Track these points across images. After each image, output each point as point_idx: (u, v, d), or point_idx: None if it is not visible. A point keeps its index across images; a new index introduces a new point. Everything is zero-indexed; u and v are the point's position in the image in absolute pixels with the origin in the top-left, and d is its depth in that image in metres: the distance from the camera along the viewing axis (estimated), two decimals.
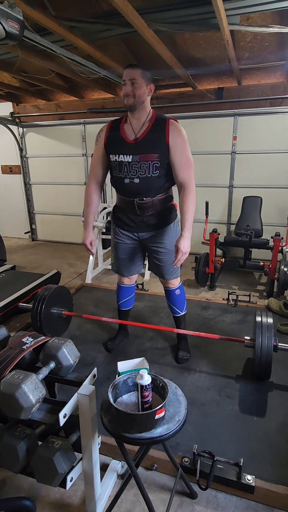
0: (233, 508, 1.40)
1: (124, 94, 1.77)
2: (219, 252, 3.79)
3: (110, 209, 3.58)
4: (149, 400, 1.12)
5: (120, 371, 1.27)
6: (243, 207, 3.88)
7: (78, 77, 3.54)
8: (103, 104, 4.59)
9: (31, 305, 2.36)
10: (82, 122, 4.81)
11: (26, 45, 2.73)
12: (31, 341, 1.37)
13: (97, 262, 4.05)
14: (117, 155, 1.87)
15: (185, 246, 1.80)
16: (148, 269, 2.28)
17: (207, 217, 3.83)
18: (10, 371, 1.20)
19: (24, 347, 1.33)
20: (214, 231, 3.50)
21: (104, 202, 4.17)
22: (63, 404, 1.20)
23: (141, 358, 1.32)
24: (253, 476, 1.42)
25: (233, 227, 4.21)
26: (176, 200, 2.13)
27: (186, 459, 1.51)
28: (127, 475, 1.33)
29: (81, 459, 1.29)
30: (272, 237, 3.33)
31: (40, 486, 1.48)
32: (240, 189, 4.24)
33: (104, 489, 1.43)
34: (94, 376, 1.36)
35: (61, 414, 1.16)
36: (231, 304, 3.06)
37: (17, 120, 5.12)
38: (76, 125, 4.87)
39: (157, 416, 1.06)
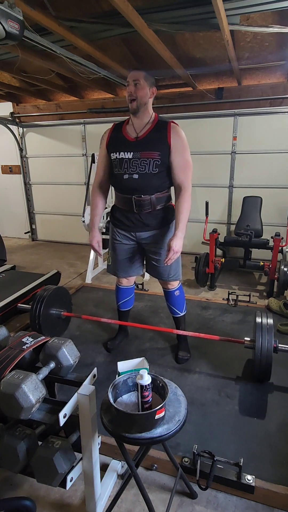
0: (233, 508, 1.40)
1: (128, 94, 1.84)
2: (219, 252, 3.79)
3: (109, 209, 3.57)
4: (149, 400, 1.12)
5: (120, 371, 1.27)
6: (243, 207, 3.88)
7: (78, 77, 3.54)
8: (103, 104, 4.59)
9: (30, 306, 2.35)
10: (82, 122, 4.81)
11: (26, 45, 2.74)
12: (31, 341, 1.37)
13: (97, 262, 4.05)
14: (117, 153, 1.90)
15: (177, 245, 1.82)
16: (146, 271, 2.28)
17: (207, 217, 3.83)
18: (10, 371, 1.20)
19: (24, 347, 1.33)
20: (214, 231, 3.50)
21: None
22: (63, 404, 1.20)
23: (141, 358, 1.32)
24: (253, 476, 1.42)
25: (233, 227, 4.21)
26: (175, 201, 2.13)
27: (186, 459, 1.51)
28: (127, 475, 1.33)
29: (81, 459, 1.30)
30: (272, 237, 3.33)
31: (40, 486, 1.48)
32: (240, 189, 4.24)
33: (104, 489, 1.43)
34: (94, 376, 1.36)
35: (61, 414, 1.16)
36: (231, 304, 3.06)
37: (17, 120, 5.12)
38: (76, 125, 4.87)
39: (157, 416, 1.06)
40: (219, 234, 3.54)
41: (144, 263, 2.27)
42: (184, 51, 3.35)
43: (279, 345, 1.96)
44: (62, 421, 1.17)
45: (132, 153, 1.86)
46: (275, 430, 1.72)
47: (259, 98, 3.87)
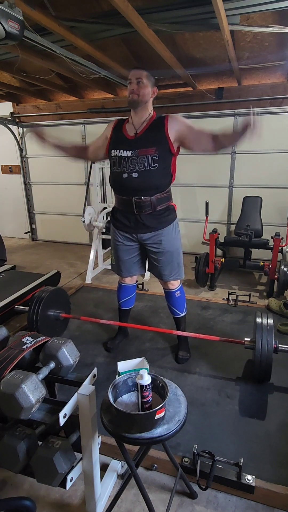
0: (233, 508, 1.40)
1: (130, 91, 1.85)
2: (219, 252, 3.79)
3: (110, 209, 3.58)
4: (149, 400, 1.11)
5: (120, 371, 1.27)
6: (243, 207, 3.88)
7: (78, 77, 3.54)
8: (103, 104, 4.59)
9: (28, 308, 2.33)
10: (82, 122, 4.81)
11: (26, 45, 2.74)
12: (31, 341, 1.37)
13: (97, 262, 4.05)
14: (117, 150, 1.93)
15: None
16: (148, 270, 2.29)
17: (207, 217, 3.83)
18: (10, 371, 1.19)
19: (24, 347, 1.33)
20: (214, 231, 3.50)
21: (104, 202, 4.17)
22: (63, 404, 1.20)
23: (141, 358, 1.32)
24: (253, 476, 1.42)
25: (233, 227, 4.21)
26: (175, 201, 2.13)
27: (186, 459, 1.51)
28: (127, 475, 1.33)
29: (81, 459, 1.29)
30: (272, 237, 3.33)
31: (40, 486, 1.48)
32: (240, 189, 4.24)
33: (104, 489, 1.43)
34: (94, 376, 1.36)
35: (61, 414, 1.16)
36: (231, 304, 3.06)
37: (17, 120, 5.12)
38: (76, 125, 4.87)
39: (157, 416, 1.06)
40: (219, 234, 3.53)
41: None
42: (184, 51, 3.35)
43: (279, 345, 1.96)
44: (62, 421, 1.16)
45: (130, 151, 1.88)
46: (275, 430, 1.72)
47: (259, 98, 3.87)
